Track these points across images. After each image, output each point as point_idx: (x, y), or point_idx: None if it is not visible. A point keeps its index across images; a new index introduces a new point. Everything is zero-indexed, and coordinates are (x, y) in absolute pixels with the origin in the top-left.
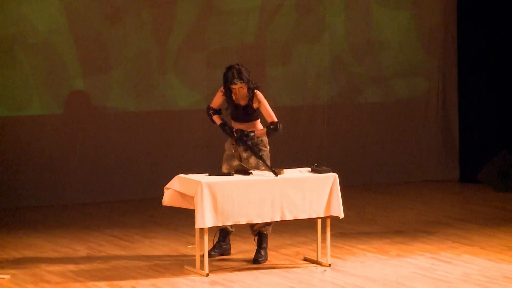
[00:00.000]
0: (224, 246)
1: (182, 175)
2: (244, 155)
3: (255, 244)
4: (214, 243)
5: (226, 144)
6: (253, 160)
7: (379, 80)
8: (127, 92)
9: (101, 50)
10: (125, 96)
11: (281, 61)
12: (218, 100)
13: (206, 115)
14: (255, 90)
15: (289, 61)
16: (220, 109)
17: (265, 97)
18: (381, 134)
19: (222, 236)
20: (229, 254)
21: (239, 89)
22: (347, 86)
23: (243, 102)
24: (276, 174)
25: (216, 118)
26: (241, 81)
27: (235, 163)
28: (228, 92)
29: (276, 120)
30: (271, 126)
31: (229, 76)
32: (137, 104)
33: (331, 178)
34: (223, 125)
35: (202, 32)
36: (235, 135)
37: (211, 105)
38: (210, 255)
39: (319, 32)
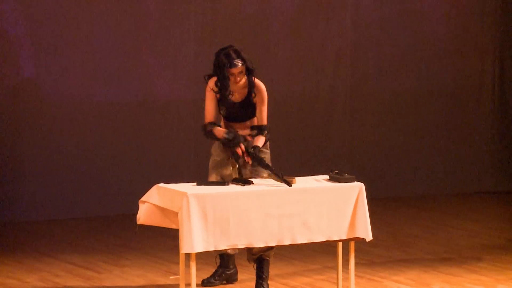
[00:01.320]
0: (228, 272)
1: (162, 184)
2: (240, 160)
3: (254, 273)
4: (215, 270)
5: (214, 148)
6: (250, 168)
7: (417, 61)
8: (91, 78)
9: (54, 23)
10: (87, 83)
11: (290, 36)
12: (211, 104)
13: (204, 134)
14: (255, 79)
15: (300, 36)
16: (215, 122)
17: (268, 85)
18: (420, 131)
19: (224, 262)
20: (235, 280)
21: (239, 75)
22: (375, 68)
23: (240, 97)
24: (289, 184)
25: (219, 131)
26: (243, 62)
27: (228, 171)
28: (223, 85)
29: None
30: (266, 133)
31: (225, 59)
32: (104, 93)
33: (356, 189)
34: (234, 136)
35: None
36: (250, 150)
37: (207, 121)
38: (209, 284)
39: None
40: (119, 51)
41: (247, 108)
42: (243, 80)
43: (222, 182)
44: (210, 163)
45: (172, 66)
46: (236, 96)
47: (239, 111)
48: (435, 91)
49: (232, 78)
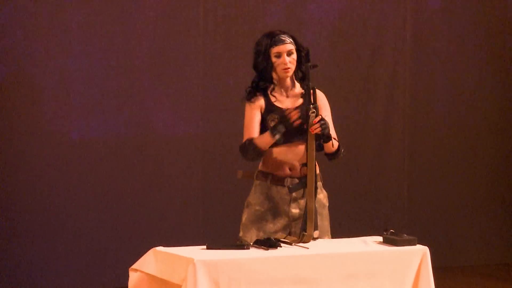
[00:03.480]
0: None
1: (160, 248)
2: (296, 211)
3: None
4: None
5: (254, 196)
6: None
7: (497, 84)
8: (70, 107)
9: (21, 35)
10: (66, 113)
11: (329, 52)
12: (253, 119)
13: (243, 155)
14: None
15: (343, 51)
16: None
17: None
18: (505, 175)
19: None
20: None
21: (289, 57)
22: (443, 96)
23: (293, 101)
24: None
25: (260, 137)
26: (291, 41)
27: (276, 225)
28: (267, 77)
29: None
30: (340, 149)
31: (266, 38)
32: (86, 129)
33: (419, 254)
34: (280, 125)
35: (193, 4)
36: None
37: (246, 137)
38: None
39: (396, 3)
40: (111, 81)
41: (304, 116)
42: (292, 69)
43: (242, 244)
44: (246, 215)
45: (174, 97)
46: (289, 99)
47: (298, 119)
48: None
49: (279, 64)
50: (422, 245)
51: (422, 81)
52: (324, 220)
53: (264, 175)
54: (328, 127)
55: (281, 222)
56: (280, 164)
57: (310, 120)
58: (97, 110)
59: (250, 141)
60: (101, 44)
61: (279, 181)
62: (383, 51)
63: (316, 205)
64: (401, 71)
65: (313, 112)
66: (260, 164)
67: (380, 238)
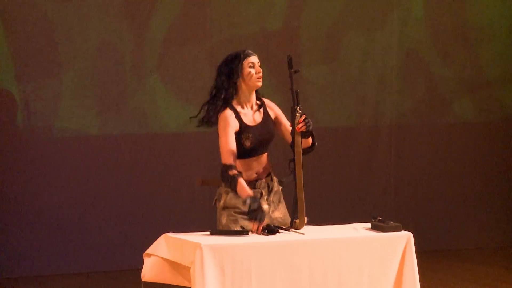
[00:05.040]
0: None
1: (171, 234)
2: (266, 206)
3: None
4: None
5: (226, 199)
6: (279, 212)
7: (477, 87)
8: (85, 106)
9: (44, 42)
10: (82, 111)
11: (323, 58)
12: (231, 140)
13: (223, 178)
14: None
15: (336, 58)
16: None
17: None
18: (481, 168)
19: None
20: None
21: (259, 67)
22: (426, 96)
23: (258, 117)
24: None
25: (243, 186)
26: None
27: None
28: (233, 105)
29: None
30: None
31: (235, 55)
32: (101, 124)
33: (403, 240)
34: (259, 207)
35: (199, 12)
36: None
37: (226, 162)
38: None
39: (383, 14)
40: (118, 75)
41: (270, 128)
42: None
43: (241, 231)
44: (226, 217)
45: (183, 98)
46: (253, 114)
47: (266, 134)
48: (498, 123)
49: (254, 74)
50: (407, 231)
51: (408, 83)
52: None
53: None
54: (311, 125)
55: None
56: (246, 172)
57: (296, 120)
58: (114, 109)
59: (234, 176)
60: (116, 49)
61: (251, 184)
62: (373, 56)
63: (277, 196)
64: (388, 73)
65: (299, 113)
66: None
67: (369, 225)
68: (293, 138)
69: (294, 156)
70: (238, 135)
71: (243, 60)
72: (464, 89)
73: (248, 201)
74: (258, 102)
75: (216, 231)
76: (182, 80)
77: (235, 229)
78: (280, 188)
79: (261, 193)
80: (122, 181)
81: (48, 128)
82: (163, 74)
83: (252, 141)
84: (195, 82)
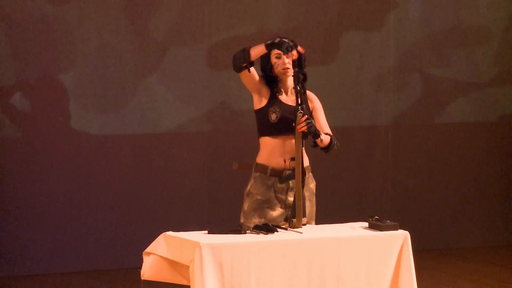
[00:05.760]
0: None
1: (170, 233)
2: (290, 199)
3: None
4: None
5: (255, 186)
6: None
7: (473, 87)
8: (86, 106)
9: (45, 42)
10: (81, 111)
11: (321, 58)
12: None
13: (233, 59)
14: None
15: (333, 58)
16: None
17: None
18: (477, 168)
19: None
20: None
21: (289, 60)
22: (423, 96)
23: (294, 101)
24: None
25: (256, 46)
26: (292, 45)
27: (275, 213)
28: (272, 81)
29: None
30: (333, 143)
31: (278, 42)
32: (100, 124)
33: (400, 239)
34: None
35: (198, 13)
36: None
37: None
38: None
39: (380, 14)
40: (118, 75)
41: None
42: (291, 69)
43: (239, 229)
44: (248, 204)
45: (182, 98)
46: (288, 98)
47: (293, 115)
48: (494, 124)
49: (280, 64)
50: (404, 230)
51: (404, 84)
52: (312, 207)
53: (263, 167)
54: (314, 126)
55: (279, 209)
56: (276, 157)
57: (298, 120)
58: (114, 109)
59: (244, 48)
60: (116, 49)
61: (277, 173)
62: (370, 57)
63: (308, 193)
64: (385, 74)
65: (301, 112)
66: (257, 157)
67: (366, 224)
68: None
69: (295, 154)
70: (266, 107)
71: (271, 51)
72: (460, 90)
73: (269, 41)
74: (295, 89)
75: (214, 230)
76: (181, 80)
77: (255, 217)
78: (314, 184)
79: (288, 185)
80: (122, 180)
81: (48, 128)
82: (162, 75)
83: (278, 116)
84: (194, 82)
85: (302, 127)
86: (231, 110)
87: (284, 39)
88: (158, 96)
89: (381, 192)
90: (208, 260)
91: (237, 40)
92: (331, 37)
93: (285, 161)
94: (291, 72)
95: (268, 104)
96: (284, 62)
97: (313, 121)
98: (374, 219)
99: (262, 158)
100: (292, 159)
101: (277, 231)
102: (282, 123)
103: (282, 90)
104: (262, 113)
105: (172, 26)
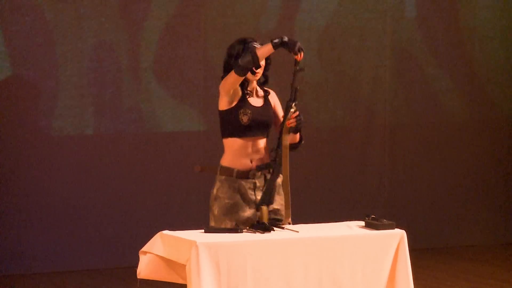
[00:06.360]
0: None
1: (167, 232)
2: (259, 197)
3: None
4: None
5: (222, 190)
6: (276, 204)
7: (468, 86)
8: (82, 106)
9: (41, 42)
10: (78, 111)
11: (317, 58)
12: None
13: (238, 64)
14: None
15: (330, 58)
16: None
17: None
18: (473, 169)
19: None
20: None
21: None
22: (419, 96)
23: (260, 102)
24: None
25: (259, 47)
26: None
27: (246, 214)
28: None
29: None
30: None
31: (240, 45)
32: (97, 123)
33: (396, 238)
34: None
35: (194, 13)
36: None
37: None
38: None
39: (377, 14)
40: (113, 75)
41: (270, 113)
42: (260, 72)
43: (236, 228)
44: (218, 208)
45: (177, 97)
46: (255, 99)
47: (265, 118)
48: (490, 122)
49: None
50: (400, 229)
51: (401, 83)
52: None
53: (229, 170)
54: (302, 123)
55: (250, 211)
56: (242, 158)
57: (289, 115)
58: (110, 108)
59: (249, 48)
60: (112, 49)
61: (243, 174)
62: (366, 56)
63: (278, 192)
64: (382, 74)
65: (293, 108)
66: (222, 160)
67: (362, 223)
68: (281, 132)
69: (278, 148)
70: (236, 108)
71: (241, 52)
72: (456, 89)
73: (276, 40)
74: (261, 91)
75: (211, 229)
76: (177, 79)
77: (226, 222)
78: (279, 180)
79: (255, 184)
80: (118, 179)
81: (44, 127)
82: (158, 74)
83: (250, 118)
84: (190, 82)
85: (291, 122)
86: None
87: (293, 39)
88: (154, 96)
89: (378, 191)
90: (204, 259)
91: (233, 40)
92: (327, 36)
93: (251, 161)
94: (259, 76)
95: (238, 106)
96: (257, 71)
97: (302, 118)
98: (370, 218)
99: (227, 160)
100: (272, 149)
101: (274, 230)
102: (253, 125)
103: (250, 91)
104: (231, 114)
105: (168, 25)
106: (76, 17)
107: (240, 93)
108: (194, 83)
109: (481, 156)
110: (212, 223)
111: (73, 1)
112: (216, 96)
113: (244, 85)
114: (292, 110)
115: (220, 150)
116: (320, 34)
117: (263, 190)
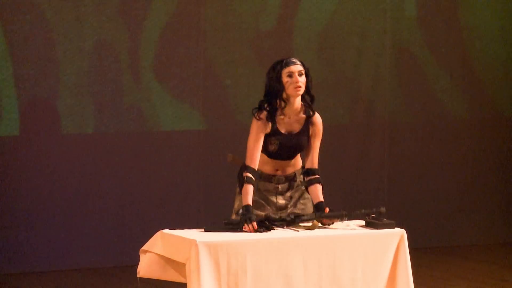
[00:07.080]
0: None
1: (166, 230)
2: (282, 202)
3: None
4: None
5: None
6: (296, 209)
7: (469, 85)
8: (82, 105)
9: (42, 41)
10: (78, 110)
11: (317, 57)
12: (257, 142)
13: (238, 175)
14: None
15: (330, 57)
16: (259, 172)
17: None
18: (474, 168)
19: None
20: None
21: (300, 77)
22: (419, 94)
23: (297, 125)
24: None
25: (246, 192)
26: (302, 64)
27: (265, 212)
28: (273, 110)
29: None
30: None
31: (278, 62)
32: (97, 122)
33: (396, 237)
34: (248, 212)
35: (194, 12)
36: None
37: (249, 164)
38: None
39: (376, 13)
40: (114, 73)
41: (303, 140)
42: (303, 88)
43: (235, 227)
44: (238, 202)
45: (177, 96)
46: (292, 123)
47: (295, 146)
48: (489, 122)
49: (292, 83)
50: (400, 228)
51: (401, 82)
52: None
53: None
54: (333, 224)
55: (268, 210)
56: (270, 167)
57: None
58: (110, 107)
59: (244, 179)
60: (112, 48)
61: (267, 178)
62: (366, 55)
63: (298, 194)
64: (382, 73)
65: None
66: None
67: (363, 222)
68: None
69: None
70: (267, 137)
71: (281, 70)
72: (456, 88)
73: (241, 210)
74: (303, 114)
75: (210, 227)
76: (177, 78)
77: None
78: (304, 186)
79: (277, 188)
80: (118, 178)
81: (45, 127)
82: (158, 73)
83: (276, 148)
84: (190, 81)
85: (325, 223)
86: (227, 109)
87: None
88: (154, 95)
89: (378, 190)
90: (204, 258)
91: (233, 39)
92: (327, 36)
93: (277, 170)
94: (302, 90)
95: (268, 135)
96: (296, 80)
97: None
98: (370, 217)
99: None
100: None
101: (274, 229)
102: (281, 152)
103: (285, 115)
104: (264, 141)
105: (168, 24)
106: (76, 16)
107: (270, 124)
108: (194, 82)
109: (480, 155)
110: (233, 216)
111: (73, 0)
112: (216, 95)
113: (276, 111)
114: (333, 222)
115: (221, 149)
116: (320, 33)
117: (314, 205)
